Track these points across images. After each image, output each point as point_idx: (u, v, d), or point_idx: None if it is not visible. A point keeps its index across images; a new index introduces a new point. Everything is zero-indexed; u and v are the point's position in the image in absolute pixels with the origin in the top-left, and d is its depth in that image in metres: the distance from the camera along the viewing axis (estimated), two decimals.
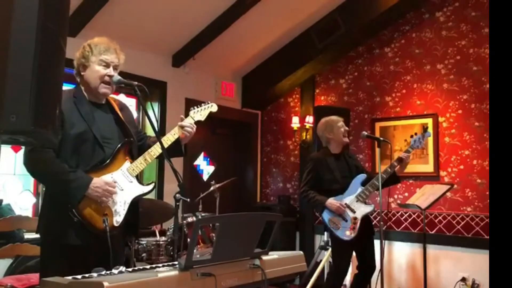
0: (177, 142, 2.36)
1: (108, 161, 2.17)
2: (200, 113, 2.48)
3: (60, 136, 1.97)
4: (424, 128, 3.62)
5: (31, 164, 2.08)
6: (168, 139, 2.33)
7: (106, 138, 2.19)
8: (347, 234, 3.49)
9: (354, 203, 3.54)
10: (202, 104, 2.52)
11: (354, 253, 3.67)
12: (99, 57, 2.19)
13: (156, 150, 2.27)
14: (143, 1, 4.15)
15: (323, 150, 3.78)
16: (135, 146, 2.33)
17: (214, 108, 2.54)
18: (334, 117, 3.78)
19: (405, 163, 3.50)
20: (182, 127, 2.36)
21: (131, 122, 2.41)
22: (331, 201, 3.52)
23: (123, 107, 2.39)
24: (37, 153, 2.04)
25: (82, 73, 2.22)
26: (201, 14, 4.56)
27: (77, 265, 1.88)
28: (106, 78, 2.20)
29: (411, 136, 3.55)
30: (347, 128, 3.74)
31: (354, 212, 3.52)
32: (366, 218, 3.56)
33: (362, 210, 3.53)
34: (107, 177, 2.14)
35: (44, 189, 2.22)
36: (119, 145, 2.21)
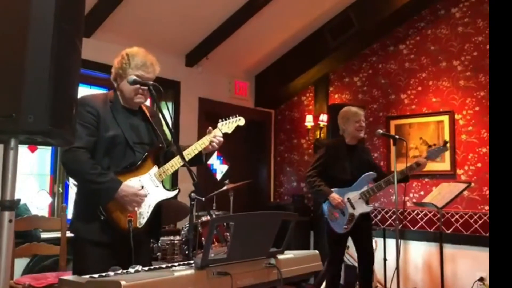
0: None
1: (137, 165, 2.26)
2: (227, 126, 2.55)
3: (95, 138, 2.17)
4: (445, 142, 3.63)
5: (67, 163, 2.20)
6: (196, 149, 2.41)
7: (137, 143, 2.30)
8: (341, 227, 3.58)
9: (356, 200, 3.60)
10: (230, 117, 2.59)
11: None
12: (136, 72, 2.25)
13: (185, 156, 2.33)
14: (157, 1, 4.16)
15: (338, 138, 3.79)
16: (163, 152, 2.43)
17: (241, 121, 2.61)
18: (354, 109, 3.73)
19: (421, 167, 3.57)
20: (211, 141, 2.42)
21: (161, 129, 2.49)
22: (334, 196, 3.57)
23: (154, 114, 2.48)
24: (73, 152, 2.14)
25: (118, 83, 2.31)
26: (214, 13, 4.57)
27: (105, 262, 1.93)
28: (140, 90, 2.27)
29: (429, 146, 3.67)
30: (363, 124, 3.69)
31: (354, 208, 3.59)
32: (364, 214, 3.62)
33: (361, 208, 3.60)
34: (135, 180, 2.23)
35: (76, 188, 2.36)
36: (149, 150, 2.31)
